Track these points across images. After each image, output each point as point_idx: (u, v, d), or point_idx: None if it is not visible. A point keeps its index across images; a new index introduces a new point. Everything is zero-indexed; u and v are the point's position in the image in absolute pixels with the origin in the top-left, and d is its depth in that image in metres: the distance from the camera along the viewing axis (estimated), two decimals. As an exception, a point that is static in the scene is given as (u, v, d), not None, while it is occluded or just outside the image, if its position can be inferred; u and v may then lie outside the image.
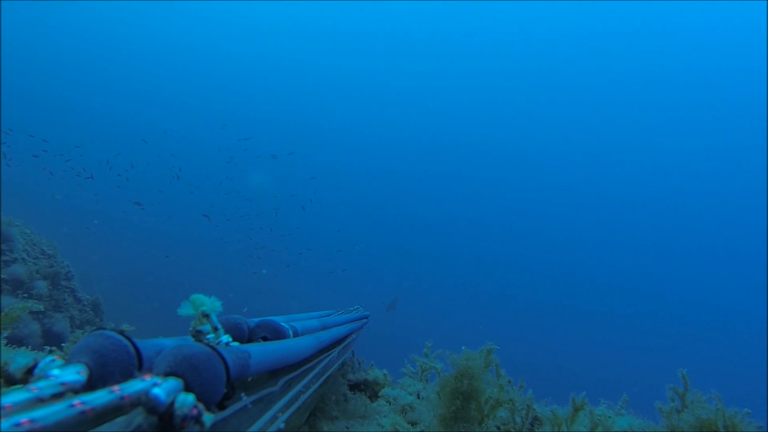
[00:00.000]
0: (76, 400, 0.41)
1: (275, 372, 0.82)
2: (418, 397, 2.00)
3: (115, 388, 0.45)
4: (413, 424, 1.73)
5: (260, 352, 0.71)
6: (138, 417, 0.46)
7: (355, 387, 2.14)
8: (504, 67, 28.79)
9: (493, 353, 1.56)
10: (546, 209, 28.26)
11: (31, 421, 0.36)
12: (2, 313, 1.32)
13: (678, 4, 24.75)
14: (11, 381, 0.48)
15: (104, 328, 0.56)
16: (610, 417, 1.54)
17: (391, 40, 30.06)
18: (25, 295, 4.98)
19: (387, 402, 1.97)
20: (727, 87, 25.60)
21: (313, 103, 31.02)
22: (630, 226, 26.98)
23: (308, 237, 22.66)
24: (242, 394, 0.64)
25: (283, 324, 0.97)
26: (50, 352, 1.96)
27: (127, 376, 0.54)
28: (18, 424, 0.35)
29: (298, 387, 0.89)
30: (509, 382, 1.59)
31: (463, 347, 1.48)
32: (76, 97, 26.80)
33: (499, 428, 1.49)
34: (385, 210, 30.50)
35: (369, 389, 2.15)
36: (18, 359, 0.48)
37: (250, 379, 0.72)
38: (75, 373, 0.49)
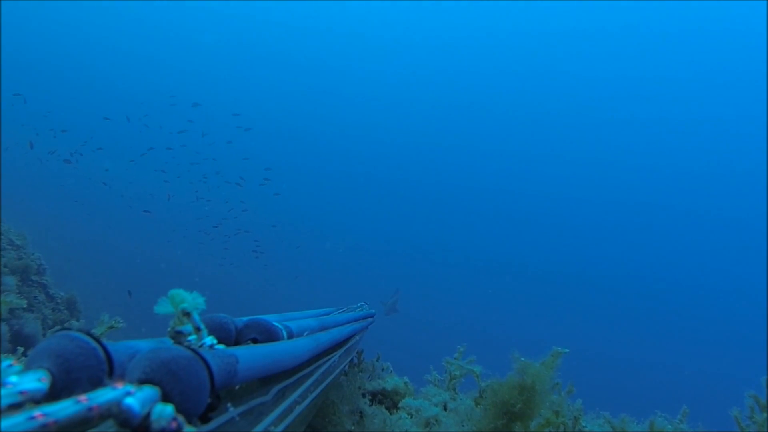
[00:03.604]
0: (37, 412, 0.41)
1: (267, 379, 0.82)
2: (445, 409, 1.97)
3: (82, 397, 0.45)
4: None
5: (249, 356, 0.71)
6: (109, 431, 0.46)
7: (371, 397, 2.13)
8: (506, 65, 31.45)
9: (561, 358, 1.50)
10: (547, 207, 30.66)
11: (-15, 435, 0.36)
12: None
13: (677, 4, 27.14)
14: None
15: (69, 328, 0.56)
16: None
17: (387, 37, 32.78)
18: (-8, 291, 5.10)
19: (408, 414, 1.94)
20: (727, 87, 28.03)
21: (309, 99, 33.44)
22: (630, 224, 29.41)
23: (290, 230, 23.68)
24: (229, 405, 0.64)
25: (275, 324, 0.98)
26: (24, 354, 2.00)
27: (95, 383, 0.54)
28: (-31, 439, 0.35)
29: (294, 396, 0.89)
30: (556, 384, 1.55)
31: (521, 358, 1.44)
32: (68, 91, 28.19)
33: None
34: (378, 205, 32.57)
35: (388, 399, 2.14)
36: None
37: (237, 387, 0.72)
38: (36, 381, 0.48)
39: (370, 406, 1.95)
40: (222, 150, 18.99)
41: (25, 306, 5.07)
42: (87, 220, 20.79)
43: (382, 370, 2.44)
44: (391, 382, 2.22)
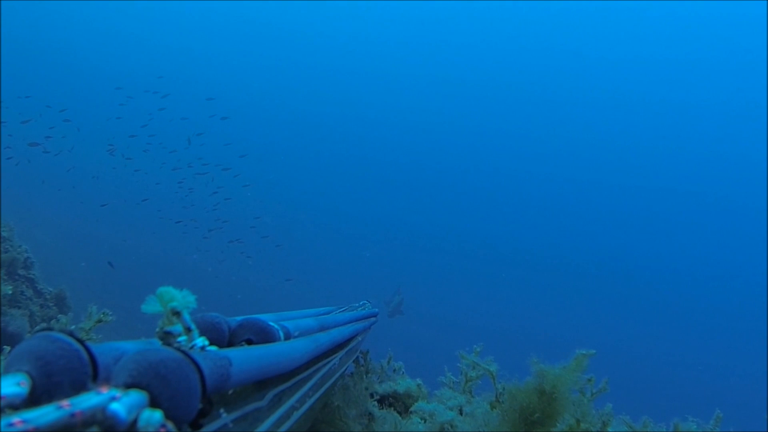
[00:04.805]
0: (16, 418, 0.41)
1: (262, 383, 0.82)
2: (461, 413, 1.96)
3: (65, 402, 0.45)
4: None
5: (243, 358, 0.71)
6: (93, 438, 0.46)
7: (382, 400, 2.12)
8: (509, 52, 33.33)
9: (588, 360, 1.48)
10: (547, 204, 32.17)
11: (-41, 443, 0.36)
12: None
13: (676, 3, 29.21)
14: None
15: (50, 329, 0.56)
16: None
17: (388, 32, 34.19)
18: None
19: (421, 419, 1.93)
20: (727, 86, 30.09)
21: (298, 80, 34.42)
22: (630, 222, 31.12)
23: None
24: (221, 411, 0.64)
25: (271, 324, 0.98)
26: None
27: (78, 387, 0.54)
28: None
29: (291, 401, 0.90)
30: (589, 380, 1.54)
31: (540, 363, 1.44)
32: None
33: None
34: (380, 193, 33.39)
35: (399, 403, 2.14)
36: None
37: (231, 391, 0.73)
38: (14, 385, 0.49)
39: (380, 409, 1.94)
40: (201, 138, 19.18)
41: (10, 293, 5.13)
42: (77, 212, 20.99)
43: (394, 371, 2.43)
44: (403, 384, 2.20)
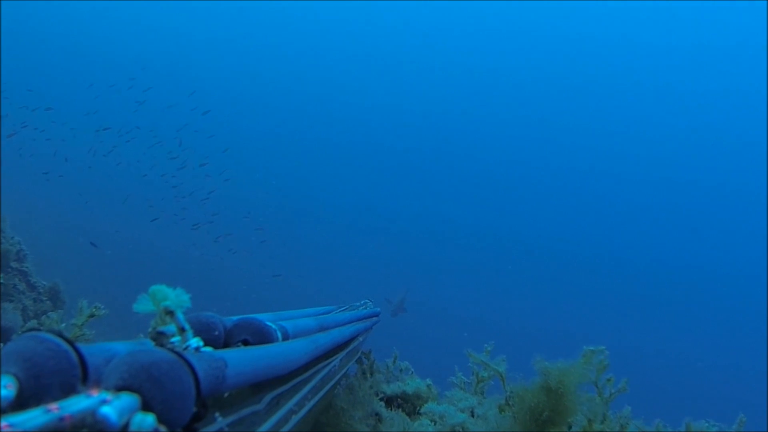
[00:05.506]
0: (3, 422, 0.41)
1: (259, 386, 0.82)
2: (472, 415, 1.95)
3: (53, 406, 0.45)
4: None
5: (240, 359, 0.71)
6: (82, 443, 0.46)
7: (390, 401, 2.11)
8: (511, 58, 34.01)
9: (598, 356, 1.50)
10: (553, 201, 32.69)
11: (-57, 449, 0.36)
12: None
13: (676, 4, 30.00)
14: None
15: (38, 329, 0.56)
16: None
17: (377, 20, 34.48)
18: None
19: (431, 421, 1.92)
20: (727, 82, 30.97)
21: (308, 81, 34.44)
22: (634, 218, 31.71)
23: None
24: (216, 414, 0.64)
25: (269, 324, 0.97)
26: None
27: (68, 390, 0.53)
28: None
29: (289, 405, 0.89)
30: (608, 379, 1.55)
31: (544, 362, 1.45)
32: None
33: None
34: (378, 184, 33.45)
35: (408, 404, 2.13)
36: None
37: (226, 394, 0.73)
38: (1, 387, 0.49)
39: (389, 411, 1.93)
40: (184, 131, 19.28)
41: (2, 281, 5.16)
42: (71, 203, 21.10)
43: (401, 371, 2.43)
44: (413, 384, 2.18)
